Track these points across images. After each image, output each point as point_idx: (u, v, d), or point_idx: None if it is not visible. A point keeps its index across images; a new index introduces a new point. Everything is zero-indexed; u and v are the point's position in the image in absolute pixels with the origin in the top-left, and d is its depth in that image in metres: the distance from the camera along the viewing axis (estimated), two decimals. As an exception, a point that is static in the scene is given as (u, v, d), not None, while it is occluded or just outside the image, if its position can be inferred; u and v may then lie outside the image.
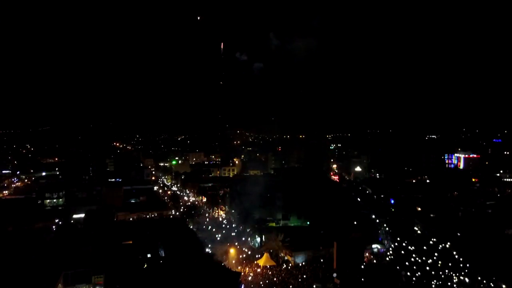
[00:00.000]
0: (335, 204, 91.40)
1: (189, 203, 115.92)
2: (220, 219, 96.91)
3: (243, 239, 76.11)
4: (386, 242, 74.38)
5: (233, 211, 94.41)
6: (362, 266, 61.12)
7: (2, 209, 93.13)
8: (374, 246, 71.34)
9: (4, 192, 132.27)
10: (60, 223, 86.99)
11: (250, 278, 58.20)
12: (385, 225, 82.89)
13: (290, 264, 64.82)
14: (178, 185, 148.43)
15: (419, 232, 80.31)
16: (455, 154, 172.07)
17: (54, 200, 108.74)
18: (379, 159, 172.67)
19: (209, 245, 70.68)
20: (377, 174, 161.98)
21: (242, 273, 57.66)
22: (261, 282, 56.55)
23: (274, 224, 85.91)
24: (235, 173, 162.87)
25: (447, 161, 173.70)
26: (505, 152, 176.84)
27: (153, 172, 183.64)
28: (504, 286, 51.37)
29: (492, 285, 52.33)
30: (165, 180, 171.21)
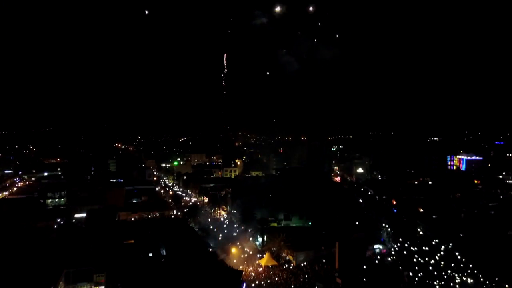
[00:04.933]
0: (337, 205, 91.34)
1: (190, 204, 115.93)
2: (222, 219, 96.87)
3: (245, 239, 76.03)
4: (388, 242, 74.23)
5: (234, 211, 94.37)
6: (364, 266, 60.95)
7: (5, 209, 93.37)
8: (376, 246, 71.16)
9: (6, 192, 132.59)
10: (62, 222, 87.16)
11: (252, 277, 58.15)
12: (387, 225, 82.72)
13: (292, 264, 64.73)
14: (180, 186, 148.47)
15: (421, 233, 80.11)
16: (457, 156, 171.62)
17: (56, 200, 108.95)
18: (381, 161, 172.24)
19: (211, 245, 70.73)
20: (379, 176, 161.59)
21: (244, 273, 57.60)
22: (262, 282, 56.49)
23: (276, 224, 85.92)
24: (237, 174, 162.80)
25: (449, 163, 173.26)
26: (508, 154, 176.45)
27: (155, 173, 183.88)
28: (507, 286, 51.20)
29: (495, 286, 52.15)
30: (166, 180, 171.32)
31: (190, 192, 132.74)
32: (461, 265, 58.65)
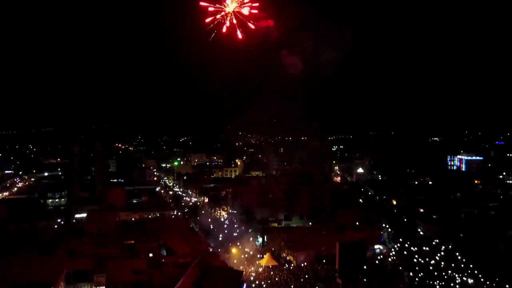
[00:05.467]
0: (338, 205, 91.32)
1: (191, 204, 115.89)
2: (222, 219, 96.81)
3: (246, 239, 75.96)
4: (388, 243, 74.22)
5: (235, 211, 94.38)
6: (365, 267, 60.91)
7: (5, 209, 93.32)
8: (376, 246, 71.16)
9: (7, 192, 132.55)
10: (62, 222, 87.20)
11: (252, 278, 58.11)
12: (387, 226, 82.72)
13: (292, 264, 64.68)
14: (180, 186, 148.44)
15: (421, 233, 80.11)
16: (458, 156, 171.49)
17: (57, 200, 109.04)
18: (382, 161, 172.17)
19: (212, 245, 70.68)
20: (380, 176, 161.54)
21: (244, 273, 57.53)
22: (263, 282, 56.44)
23: (276, 225, 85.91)
24: (237, 174, 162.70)
25: (449, 163, 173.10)
26: (508, 154, 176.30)
27: (155, 173, 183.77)
28: (507, 286, 51.18)
29: (495, 286, 52.13)
30: (167, 180, 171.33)
31: (190, 192, 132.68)
32: (462, 265, 58.67)
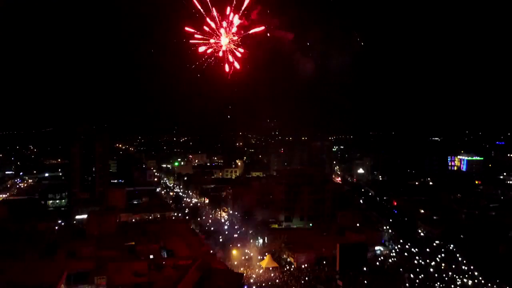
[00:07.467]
0: (338, 206, 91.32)
1: (191, 205, 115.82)
2: (223, 220, 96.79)
3: (246, 240, 75.99)
4: (389, 244, 74.19)
5: (235, 212, 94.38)
6: (365, 268, 60.90)
7: (6, 210, 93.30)
8: (377, 248, 71.12)
9: (7, 193, 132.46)
10: (63, 223, 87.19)
11: (252, 280, 58.12)
12: (388, 227, 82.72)
13: (293, 266, 64.67)
14: (181, 187, 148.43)
15: (422, 234, 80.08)
16: (458, 156, 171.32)
17: (57, 201, 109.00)
18: (382, 161, 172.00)
19: (212, 246, 70.71)
20: (380, 176, 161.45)
21: (245, 274, 57.53)
22: (263, 284, 56.45)
23: (276, 226, 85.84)
24: (238, 174, 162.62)
25: (450, 164, 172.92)
26: (509, 155, 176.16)
27: (156, 174, 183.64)
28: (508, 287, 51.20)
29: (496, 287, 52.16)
30: (167, 181, 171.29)
31: (190, 193, 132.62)
32: (462, 267, 58.67)
